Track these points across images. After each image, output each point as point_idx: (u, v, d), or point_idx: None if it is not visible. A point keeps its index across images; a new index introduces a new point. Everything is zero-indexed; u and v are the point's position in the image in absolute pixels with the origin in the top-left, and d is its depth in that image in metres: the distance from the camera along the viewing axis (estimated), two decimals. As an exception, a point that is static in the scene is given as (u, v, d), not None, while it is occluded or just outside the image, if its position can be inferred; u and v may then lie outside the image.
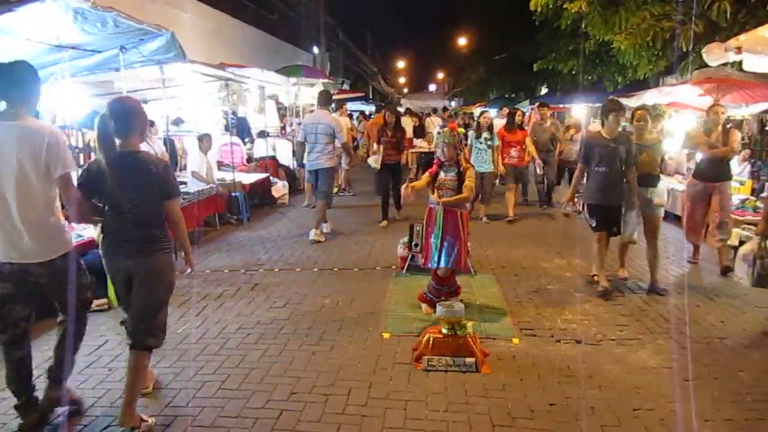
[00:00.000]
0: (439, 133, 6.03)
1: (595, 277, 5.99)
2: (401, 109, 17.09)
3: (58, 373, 3.43)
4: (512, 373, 4.08)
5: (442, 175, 5.23)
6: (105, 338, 4.74)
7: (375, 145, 8.95)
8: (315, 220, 8.28)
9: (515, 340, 4.66)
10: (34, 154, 3.11)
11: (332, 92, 15.86)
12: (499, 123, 11.02)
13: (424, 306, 5.32)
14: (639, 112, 6.09)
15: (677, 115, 10.67)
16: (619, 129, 5.88)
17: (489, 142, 9.30)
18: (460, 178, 5.15)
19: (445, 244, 5.13)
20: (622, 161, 5.62)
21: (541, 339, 4.70)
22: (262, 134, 12.66)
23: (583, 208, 6.07)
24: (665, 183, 6.18)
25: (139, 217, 3.27)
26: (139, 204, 3.27)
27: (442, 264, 5.14)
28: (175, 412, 3.58)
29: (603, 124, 5.77)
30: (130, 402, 3.31)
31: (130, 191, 3.25)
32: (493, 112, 21.12)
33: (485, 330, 4.84)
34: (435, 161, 5.39)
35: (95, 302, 5.31)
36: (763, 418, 3.53)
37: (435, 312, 4.61)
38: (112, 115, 3.24)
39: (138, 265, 3.31)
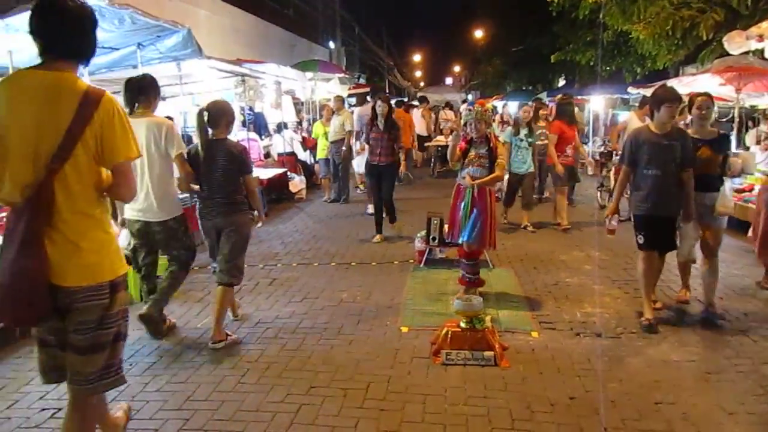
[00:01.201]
0: (469, 110, 5.68)
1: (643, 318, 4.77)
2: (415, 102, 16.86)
3: (160, 300, 4.52)
4: (531, 367, 4.06)
5: (472, 152, 5.27)
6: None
7: (358, 144, 7.65)
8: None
9: (534, 334, 4.63)
10: (156, 140, 4.26)
11: (348, 86, 15.97)
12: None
13: (461, 290, 5.34)
14: (700, 98, 4.86)
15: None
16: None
17: (529, 140, 8.29)
18: (491, 155, 5.20)
19: (474, 221, 5.19)
20: (677, 162, 4.57)
21: (560, 332, 4.66)
22: (280, 128, 12.68)
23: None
24: (730, 186, 5.05)
25: (224, 186, 4.38)
26: (224, 177, 4.37)
27: (466, 239, 5.24)
28: (194, 406, 3.60)
29: (652, 117, 4.71)
30: (218, 322, 4.47)
31: (218, 168, 4.35)
32: (512, 105, 21.03)
33: (504, 323, 4.82)
34: (463, 138, 5.40)
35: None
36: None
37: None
38: (208, 112, 4.37)
39: (224, 221, 4.43)
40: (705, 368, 4.00)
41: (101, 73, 6.63)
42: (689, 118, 5.23)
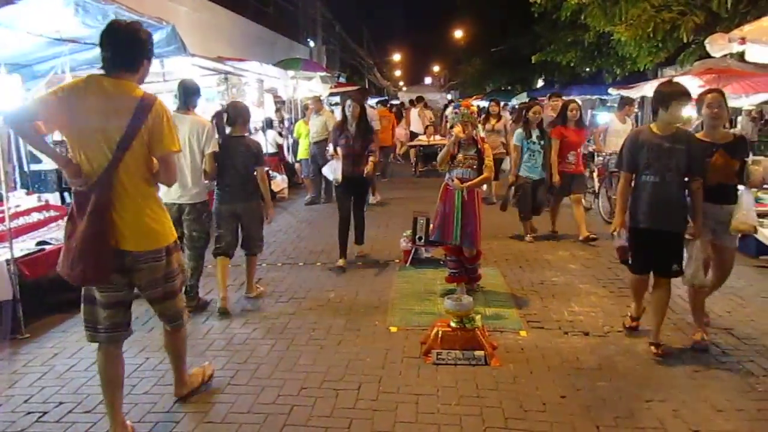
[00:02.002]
0: (456, 112, 5.67)
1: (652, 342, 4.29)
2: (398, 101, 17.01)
3: (195, 277, 5.20)
4: (522, 366, 4.07)
5: (460, 154, 5.31)
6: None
7: (331, 148, 6.54)
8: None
9: (523, 333, 4.64)
10: (198, 137, 4.94)
11: (330, 85, 15.91)
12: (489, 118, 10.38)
13: (459, 289, 5.41)
14: (710, 95, 4.28)
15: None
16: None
17: (542, 142, 7.46)
18: (479, 156, 5.26)
19: (466, 225, 5.28)
20: (681, 169, 4.05)
21: (548, 331, 4.69)
22: (267, 126, 12.50)
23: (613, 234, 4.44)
24: (749, 198, 4.32)
25: (241, 177, 5.17)
26: (242, 168, 5.16)
27: (465, 245, 5.33)
28: (184, 408, 3.55)
29: (656, 116, 4.17)
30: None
31: (237, 160, 5.13)
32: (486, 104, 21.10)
33: (492, 323, 4.83)
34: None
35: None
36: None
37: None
38: (227, 113, 5.27)
39: (243, 206, 5.26)
40: (693, 366, 4.04)
41: (83, 69, 6.48)
42: (694, 124, 4.94)
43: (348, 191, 6.61)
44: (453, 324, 4.25)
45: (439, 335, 4.21)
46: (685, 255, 4.21)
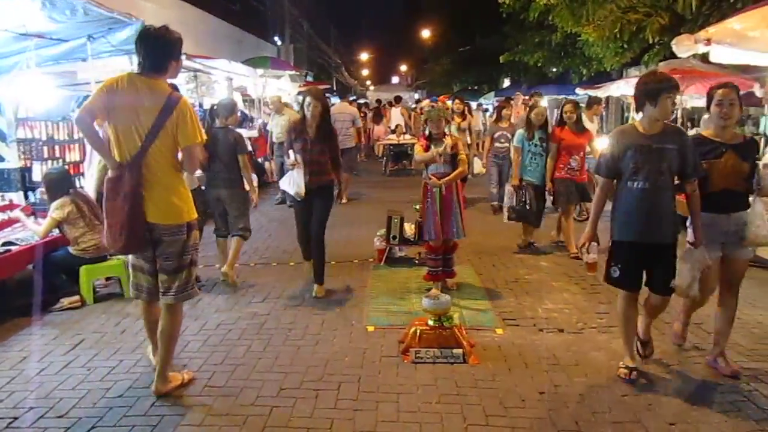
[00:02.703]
0: (432, 106, 5.77)
1: (623, 369, 3.89)
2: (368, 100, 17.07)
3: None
4: (500, 363, 4.10)
5: (433, 148, 5.35)
6: (81, 336, 4.60)
7: (292, 155, 5.34)
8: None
9: (499, 330, 4.68)
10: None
11: (299, 84, 15.81)
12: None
13: (434, 287, 5.46)
14: (721, 90, 3.71)
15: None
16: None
17: (545, 145, 6.89)
18: (450, 149, 5.33)
19: (451, 219, 5.37)
20: (672, 171, 3.60)
21: (524, 328, 4.73)
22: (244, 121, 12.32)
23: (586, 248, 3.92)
24: (762, 208, 3.81)
25: (225, 165, 5.65)
26: (224, 156, 5.64)
27: (456, 237, 5.46)
28: (161, 411, 3.48)
29: (640, 111, 3.67)
30: (231, 260, 5.84)
31: (222, 149, 5.62)
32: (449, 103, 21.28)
33: (469, 321, 4.85)
34: (423, 135, 5.60)
35: (68, 300, 5.19)
36: (746, 399, 3.61)
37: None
38: (216, 108, 5.94)
39: (227, 192, 5.73)
40: (667, 361, 4.12)
41: (47, 65, 6.31)
42: (694, 130, 4.47)
43: (307, 207, 5.48)
44: (431, 322, 4.26)
45: (418, 334, 4.21)
46: (679, 264, 3.71)
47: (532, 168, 6.94)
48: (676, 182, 3.70)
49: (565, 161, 6.79)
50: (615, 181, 3.77)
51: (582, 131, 6.96)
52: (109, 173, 3.45)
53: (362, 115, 15.72)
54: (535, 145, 6.91)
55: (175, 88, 3.86)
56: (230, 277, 5.80)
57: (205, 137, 3.69)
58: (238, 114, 6.72)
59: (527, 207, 6.90)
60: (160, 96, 3.39)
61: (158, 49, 3.45)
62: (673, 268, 3.68)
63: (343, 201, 10.56)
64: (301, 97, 5.65)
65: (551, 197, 6.98)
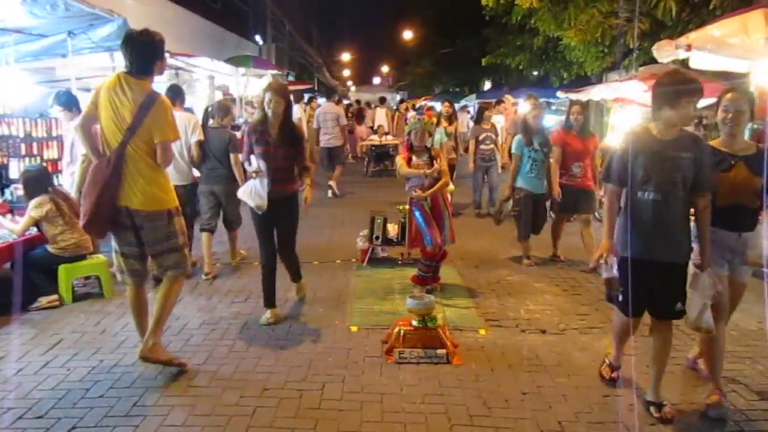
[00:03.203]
0: (418, 119, 5.74)
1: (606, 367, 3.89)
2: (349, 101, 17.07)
3: None
4: (483, 364, 4.12)
5: (414, 159, 5.43)
6: (60, 336, 4.54)
7: (254, 161, 4.75)
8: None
9: (482, 331, 4.70)
10: (184, 130, 5.77)
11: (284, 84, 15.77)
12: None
13: (417, 288, 5.48)
14: (729, 95, 3.40)
15: (622, 110, 11.00)
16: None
17: (545, 150, 6.48)
18: (432, 161, 5.40)
19: (442, 224, 5.44)
20: (687, 183, 3.23)
21: (507, 329, 4.76)
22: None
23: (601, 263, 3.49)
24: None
25: (219, 162, 6.04)
26: (218, 154, 6.02)
27: (446, 243, 5.47)
28: (143, 411, 3.44)
29: (657, 115, 3.30)
30: (232, 251, 6.65)
31: (216, 148, 6.01)
32: (438, 105, 21.35)
33: (452, 321, 4.87)
34: (405, 145, 5.65)
35: (46, 299, 5.11)
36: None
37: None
38: (211, 109, 6.42)
39: (219, 188, 6.14)
40: (646, 361, 4.16)
41: (26, 62, 6.22)
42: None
43: (269, 221, 4.84)
44: (415, 323, 4.26)
45: (402, 334, 4.21)
46: (688, 292, 3.37)
47: (533, 175, 6.48)
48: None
49: (568, 166, 6.46)
50: (624, 190, 3.42)
51: (588, 136, 6.60)
52: (93, 163, 3.75)
53: (349, 115, 15.80)
54: (536, 151, 6.47)
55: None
56: (237, 259, 6.64)
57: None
58: (233, 114, 7.21)
59: (526, 218, 6.55)
60: (141, 95, 3.65)
61: (144, 54, 3.71)
62: (679, 292, 3.34)
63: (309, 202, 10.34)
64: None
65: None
